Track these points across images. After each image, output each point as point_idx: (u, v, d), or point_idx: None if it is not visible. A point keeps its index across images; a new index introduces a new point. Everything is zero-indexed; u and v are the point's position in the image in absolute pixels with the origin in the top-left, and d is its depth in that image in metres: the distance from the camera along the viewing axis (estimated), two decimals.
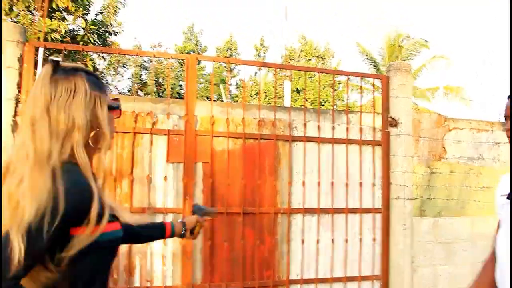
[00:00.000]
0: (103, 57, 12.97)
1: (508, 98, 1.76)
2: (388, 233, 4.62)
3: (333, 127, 4.56)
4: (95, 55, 9.36)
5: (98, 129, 1.35)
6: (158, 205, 4.04)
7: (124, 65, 18.53)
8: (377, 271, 4.59)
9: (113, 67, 16.94)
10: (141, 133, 4.05)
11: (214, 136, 4.20)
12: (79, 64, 1.43)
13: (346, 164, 4.56)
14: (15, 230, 1.15)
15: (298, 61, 22.18)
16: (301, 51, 22.63)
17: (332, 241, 4.45)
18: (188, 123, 4.12)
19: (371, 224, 4.59)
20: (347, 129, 4.61)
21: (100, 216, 1.27)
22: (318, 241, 4.41)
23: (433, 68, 19.83)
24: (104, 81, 1.47)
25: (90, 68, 8.29)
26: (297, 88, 20.10)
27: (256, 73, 22.57)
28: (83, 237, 1.25)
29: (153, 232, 1.92)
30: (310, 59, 22.37)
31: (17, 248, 1.13)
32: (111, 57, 14.62)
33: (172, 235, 1.95)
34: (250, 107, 4.48)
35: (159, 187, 4.07)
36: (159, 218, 3.95)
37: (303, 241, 4.36)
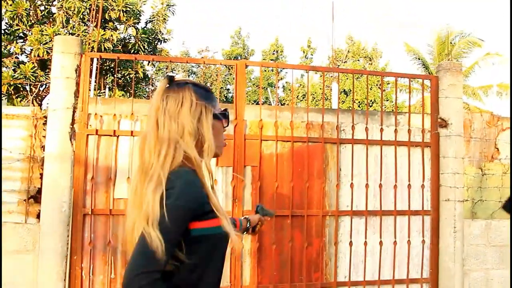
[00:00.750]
0: (152, 64, 13.34)
1: None
2: (438, 236, 4.56)
3: (381, 129, 4.55)
4: (145, 62, 9.63)
5: (201, 136, 1.48)
6: None
7: (173, 70, 18.98)
8: (425, 274, 4.54)
9: (162, 73, 17.38)
10: None
11: (263, 140, 4.28)
12: (189, 78, 1.59)
13: (394, 166, 4.53)
14: (151, 226, 1.29)
15: (345, 62, 21.98)
16: (348, 51, 22.41)
17: (380, 243, 4.44)
18: (237, 128, 4.22)
19: (420, 226, 4.55)
20: (395, 130, 4.58)
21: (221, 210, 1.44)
22: (366, 244, 4.41)
23: (486, 65, 19.19)
24: (212, 93, 1.61)
25: (141, 75, 8.57)
26: (344, 90, 19.93)
27: (302, 76, 22.53)
28: (224, 228, 1.42)
29: None
30: (358, 60, 22.11)
31: (158, 242, 1.27)
32: (160, 63, 15.01)
33: (240, 230, 2.18)
34: (297, 110, 4.53)
35: None
36: None
37: (351, 243, 4.37)
